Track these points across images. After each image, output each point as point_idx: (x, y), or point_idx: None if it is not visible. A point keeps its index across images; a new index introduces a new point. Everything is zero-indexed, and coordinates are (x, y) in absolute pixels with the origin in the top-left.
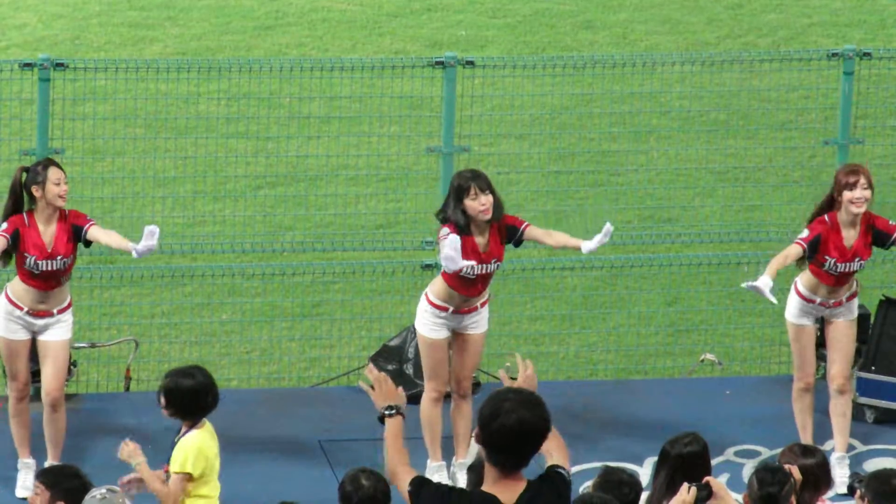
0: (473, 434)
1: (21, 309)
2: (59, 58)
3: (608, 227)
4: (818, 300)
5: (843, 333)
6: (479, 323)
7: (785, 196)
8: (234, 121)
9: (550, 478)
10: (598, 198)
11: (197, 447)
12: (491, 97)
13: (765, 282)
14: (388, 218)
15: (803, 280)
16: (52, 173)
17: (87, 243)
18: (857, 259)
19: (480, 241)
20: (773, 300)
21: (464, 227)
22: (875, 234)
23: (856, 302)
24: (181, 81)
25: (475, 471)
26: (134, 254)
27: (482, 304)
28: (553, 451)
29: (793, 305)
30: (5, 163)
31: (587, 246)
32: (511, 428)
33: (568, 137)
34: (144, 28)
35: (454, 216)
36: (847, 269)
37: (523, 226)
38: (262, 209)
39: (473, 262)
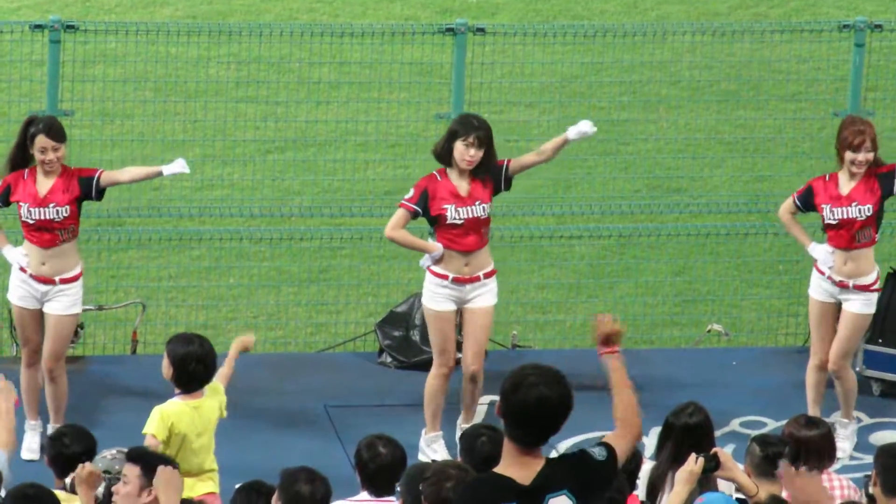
0: (495, 407)
1: (25, 272)
2: (69, 20)
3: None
4: (827, 273)
5: (844, 324)
6: (483, 295)
7: (794, 167)
8: (244, 85)
9: (573, 456)
10: (607, 167)
11: (159, 410)
12: (501, 64)
13: (814, 251)
14: (397, 184)
15: None
16: (38, 142)
17: (100, 194)
18: (854, 203)
19: (461, 184)
20: (821, 253)
21: (444, 160)
22: (880, 180)
23: (871, 297)
24: (191, 45)
25: (468, 436)
26: (165, 171)
27: (486, 275)
28: (618, 425)
29: (812, 279)
30: (15, 124)
31: (572, 131)
32: (531, 403)
33: (577, 106)
34: None
35: (441, 148)
36: (846, 216)
37: (504, 163)
38: (271, 174)
39: (440, 247)
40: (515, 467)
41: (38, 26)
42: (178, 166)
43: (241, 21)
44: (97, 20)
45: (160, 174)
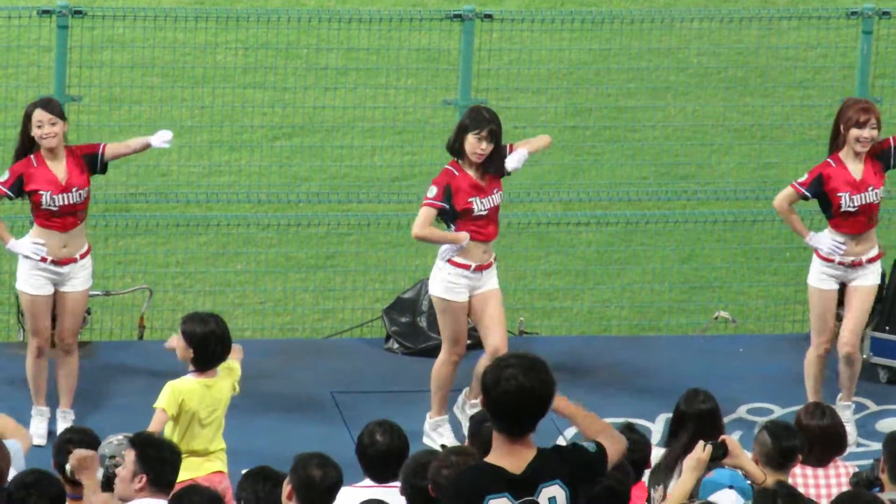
0: (479, 401)
1: (45, 260)
2: (77, 5)
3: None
4: (837, 259)
5: (860, 299)
6: (492, 278)
7: (801, 154)
8: (252, 71)
9: (566, 448)
10: (615, 153)
11: (171, 386)
12: (508, 51)
13: (815, 240)
14: (404, 170)
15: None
16: (35, 116)
17: (105, 167)
18: (870, 188)
19: (475, 174)
20: (826, 244)
21: (458, 155)
22: (879, 156)
23: (878, 266)
24: (199, 31)
25: (475, 420)
26: (153, 142)
27: (494, 258)
28: (599, 438)
29: (814, 268)
30: (23, 110)
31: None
32: (512, 395)
33: (585, 93)
34: None
35: (454, 140)
36: (865, 202)
37: (508, 147)
38: (279, 160)
39: (467, 235)
40: (506, 457)
41: (46, 11)
42: (160, 139)
43: (248, 7)
44: (105, 6)
45: (149, 145)
